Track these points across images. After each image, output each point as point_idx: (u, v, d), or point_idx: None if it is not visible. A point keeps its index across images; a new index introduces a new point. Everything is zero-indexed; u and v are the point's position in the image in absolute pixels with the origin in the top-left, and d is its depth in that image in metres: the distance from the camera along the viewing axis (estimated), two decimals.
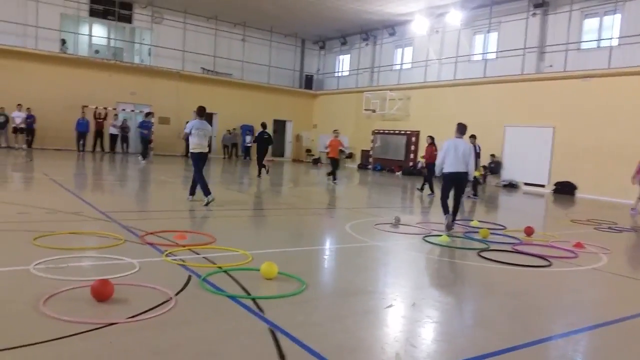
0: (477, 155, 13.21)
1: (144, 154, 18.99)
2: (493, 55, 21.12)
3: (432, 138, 14.51)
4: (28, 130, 21.12)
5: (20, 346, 2.84)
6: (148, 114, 19.62)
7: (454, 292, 4.91)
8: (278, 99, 28.84)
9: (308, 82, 30.51)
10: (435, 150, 14.26)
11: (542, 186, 18.57)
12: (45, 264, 4.47)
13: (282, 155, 30.35)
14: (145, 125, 19.11)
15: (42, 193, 9.76)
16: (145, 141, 19.13)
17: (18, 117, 20.76)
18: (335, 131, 16.40)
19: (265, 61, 28.30)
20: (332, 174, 15.63)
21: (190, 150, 9.17)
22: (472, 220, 9.15)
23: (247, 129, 27.22)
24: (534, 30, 19.32)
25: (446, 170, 8.23)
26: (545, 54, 19.29)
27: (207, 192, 8.97)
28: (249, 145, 26.96)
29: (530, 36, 19.40)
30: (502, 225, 9.01)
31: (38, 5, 21.98)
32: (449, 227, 7.99)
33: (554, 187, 18.05)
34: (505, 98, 19.71)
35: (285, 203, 11.10)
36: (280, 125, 30.03)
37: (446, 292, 4.80)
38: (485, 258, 6.13)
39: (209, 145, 9.50)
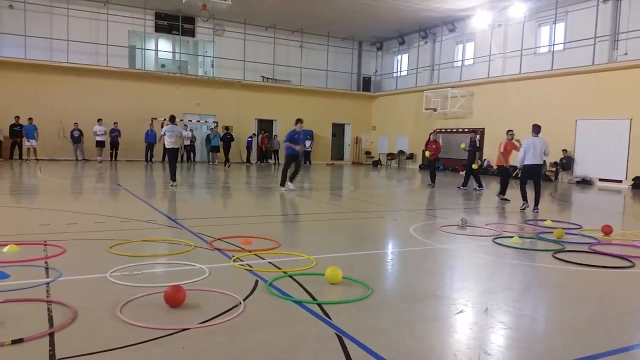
0: (477, 149, 14.86)
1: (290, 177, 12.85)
2: (560, 47, 20.18)
3: (435, 134, 16.45)
4: (112, 144, 22.47)
5: (100, 351, 2.97)
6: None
7: (528, 296, 4.68)
8: (336, 102, 28.93)
9: (366, 84, 30.40)
10: (436, 146, 15.41)
11: (619, 182, 17.50)
12: (120, 271, 4.67)
13: (341, 158, 30.40)
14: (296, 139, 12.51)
15: (116, 202, 10.28)
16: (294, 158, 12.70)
17: (100, 131, 22.01)
18: (509, 132, 12.38)
19: (322, 66, 28.48)
20: (505, 188, 11.98)
21: (166, 147, 12.36)
22: (546, 220, 8.75)
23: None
24: (606, 17, 18.29)
25: (526, 162, 10.34)
26: (618, 42, 18.21)
27: (174, 179, 12.32)
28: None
29: (601, 24, 18.38)
30: (577, 225, 8.54)
31: (108, 25, 23.25)
32: (523, 209, 10.32)
33: (632, 182, 16.96)
34: (576, 90, 18.75)
35: (347, 206, 11.06)
36: (339, 128, 30.10)
37: (520, 297, 4.58)
38: (561, 259, 5.83)
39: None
